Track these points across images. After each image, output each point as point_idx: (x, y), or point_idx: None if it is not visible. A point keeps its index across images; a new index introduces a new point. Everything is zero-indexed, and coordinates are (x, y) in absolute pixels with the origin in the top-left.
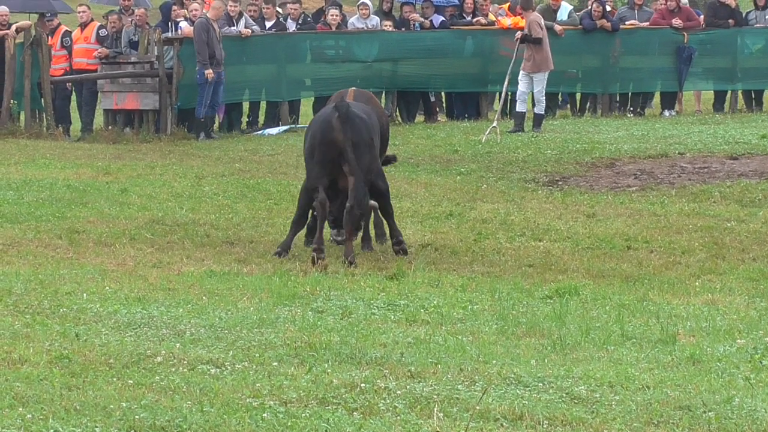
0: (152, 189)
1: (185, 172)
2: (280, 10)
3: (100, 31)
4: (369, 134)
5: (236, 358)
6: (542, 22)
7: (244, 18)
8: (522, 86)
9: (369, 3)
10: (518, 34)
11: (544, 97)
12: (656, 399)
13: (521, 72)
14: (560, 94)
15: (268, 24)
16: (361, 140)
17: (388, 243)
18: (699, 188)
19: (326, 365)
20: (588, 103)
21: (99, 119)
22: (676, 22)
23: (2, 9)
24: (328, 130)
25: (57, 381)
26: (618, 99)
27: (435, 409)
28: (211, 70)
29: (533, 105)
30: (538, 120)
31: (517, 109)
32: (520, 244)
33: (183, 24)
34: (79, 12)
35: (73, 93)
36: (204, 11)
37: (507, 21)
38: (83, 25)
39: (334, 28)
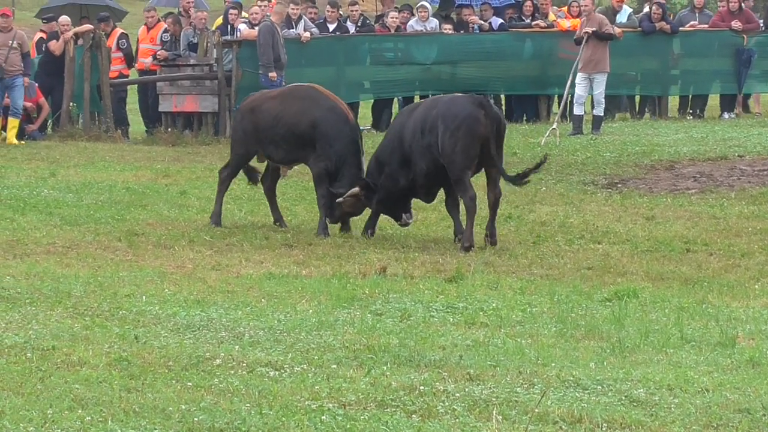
0: (211, 192)
1: (244, 175)
2: (342, 13)
3: (163, 35)
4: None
5: (295, 360)
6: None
7: (303, 21)
8: (580, 89)
9: (428, 5)
10: (587, 29)
11: (603, 99)
12: (715, 402)
13: (580, 74)
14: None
15: (331, 27)
16: (502, 133)
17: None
18: (758, 191)
19: (385, 368)
20: (647, 106)
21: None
22: (736, 24)
23: (64, 19)
24: (477, 125)
25: (116, 383)
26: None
27: (494, 411)
28: (275, 73)
29: (592, 107)
30: (597, 122)
31: (575, 113)
32: (579, 246)
33: (242, 27)
34: (147, 17)
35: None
36: (267, 14)
37: (566, 23)
38: (150, 26)
39: (393, 31)
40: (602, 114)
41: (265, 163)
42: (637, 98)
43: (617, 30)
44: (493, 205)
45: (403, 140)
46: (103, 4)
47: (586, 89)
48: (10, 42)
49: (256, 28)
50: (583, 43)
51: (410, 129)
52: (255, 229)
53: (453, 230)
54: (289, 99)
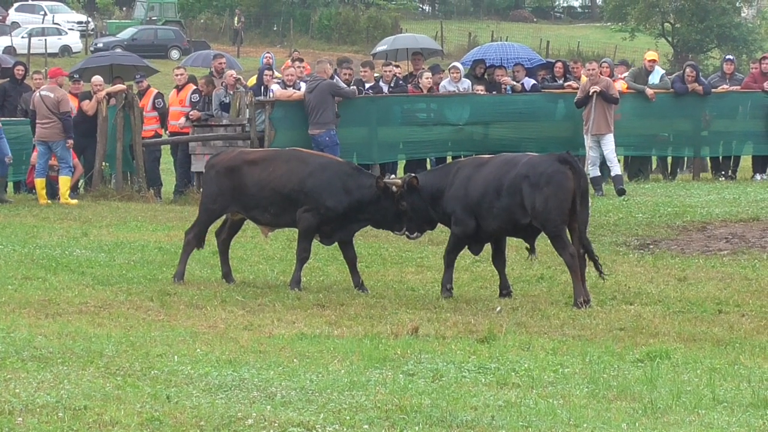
0: (243, 251)
1: (276, 235)
2: (377, 74)
3: (192, 96)
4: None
5: (327, 420)
6: None
7: (335, 80)
8: (592, 152)
9: (460, 66)
10: (595, 88)
11: (615, 157)
12: None
13: (587, 136)
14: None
15: (367, 86)
16: (586, 188)
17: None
18: None
19: (417, 428)
20: (678, 167)
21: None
22: None
23: (96, 79)
24: (566, 180)
25: None
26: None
27: None
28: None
29: (609, 169)
30: (617, 181)
31: (592, 175)
32: (611, 307)
33: (275, 87)
34: (176, 75)
35: (169, 155)
36: (314, 74)
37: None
38: (179, 88)
39: (426, 91)
40: (620, 173)
41: (224, 218)
42: (669, 159)
43: (649, 92)
44: (582, 261)
45: (468, 194)
46: (138, 64)
47: (597, 151)
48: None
49: (290, 88)
50: (592, 103)
51: (479, 186)
52: (287, 290)
53: (498, 285)
54: (274, 163)
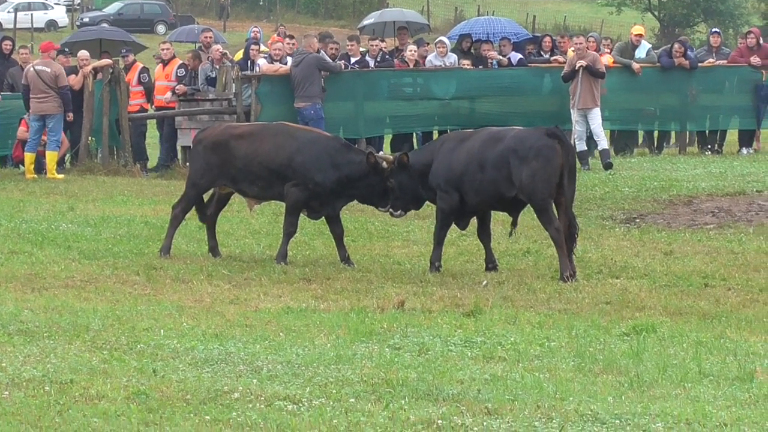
0: (230, 226)
1: (262, 209)
2: (362, 49)
3: (178, 70)
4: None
5: (313, 394)
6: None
7: (321, 55)
8: (578, 126)
9: (446, 41)
10: (581, 62)
11: (602, 131)
12: None
13: (574, 111)
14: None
15: (353, 60)
16: (574, 163)
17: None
18: None
19: (403, 402)
20: (664, 141)
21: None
22: (755, 60)
23: (83, 53)
24: (555, 155)
25: (134, 417)
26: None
27: None
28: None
29: (595, 143)
30: (604, 155)
31: (579, 149)
32: (598, 281)
33: (261, 61)
34: (162, 49)
35: (155, 130)
36: (300, 48)
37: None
38: (165, 62)
39: (411, 65)
40: (607, 147)
41: (212, 192)
42: (656, 133)
43: (636, 66)
44: (569, 236)
45: (452, 168)
46: (125, 39)
47: (584, 125)
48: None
49: (276, 63)
50: (578, 78)
51: (463, 160)
52: (273, 264)
53: (484, 259)
54: (262, 137)
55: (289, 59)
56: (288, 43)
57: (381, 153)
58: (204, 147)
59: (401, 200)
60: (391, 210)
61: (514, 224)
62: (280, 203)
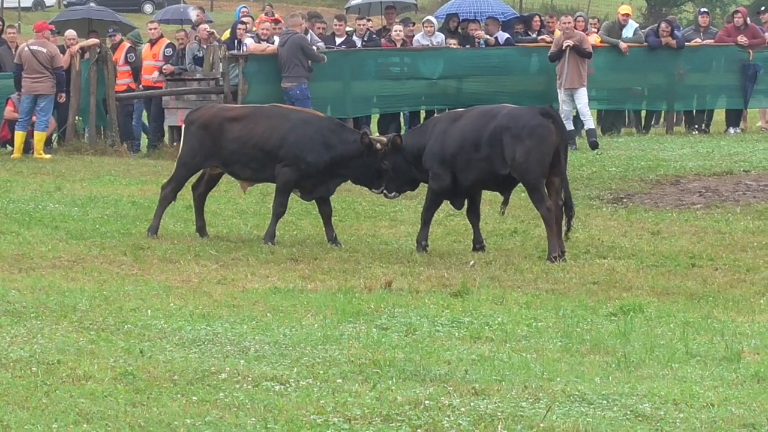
0: (217, 206)
1: (250, 190)
2: (349, 28)
3: (166, 50)
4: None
5: (300, 374)
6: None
7: (310, 35)
8: (565, 106)
9: (434, 20)
10: (568, 42)
11: (588, 111)
12: (720, 417)
13: (561, 90)
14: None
15: (339, 40)
16: (567, 142)
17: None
18: (764, 206)
19: (390, 382)
20: (651, 121)
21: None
22: (742, 39)
23: (70, 33)
24: (549, 134)
25: (121, 397)
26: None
27: (499, 426)
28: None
29: (582, 123)
30: (591, 135)
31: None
32: (585, 261)
33: (249, 41)
34: (150, 29)
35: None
36: (287, 28)
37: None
38: (153, 42)
39: (399, 45)
40: (593, 126)
41: (201, 172)
42: (643, 113)
43: (623, 45)
44: (559, 215)
45: (445, 148)
46: (113, 19)
47: (571, 105)
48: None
49: (264, 42)
50: (565, 58)
51: (456, 139)
52: (260, 244)
53: (472, 239)
54: (256, 119)
55: (276, 39)
56: (275, 28)
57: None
58: (197, 127)
59: (395, 182)
60: (385, 192)
61: (505, 203)
62: (265, 184)
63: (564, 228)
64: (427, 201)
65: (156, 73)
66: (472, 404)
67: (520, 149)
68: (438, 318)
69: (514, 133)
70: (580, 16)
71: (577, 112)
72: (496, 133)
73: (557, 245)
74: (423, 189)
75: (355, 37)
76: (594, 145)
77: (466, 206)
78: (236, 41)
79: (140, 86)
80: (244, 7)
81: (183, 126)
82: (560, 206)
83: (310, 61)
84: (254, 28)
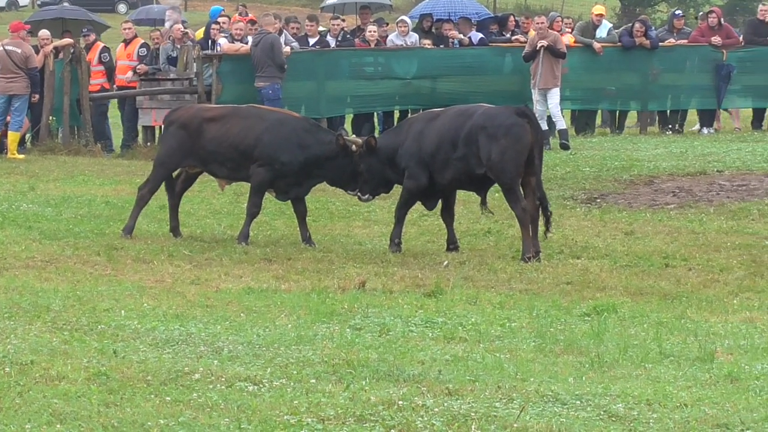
0: (191, 206)
1: (228, 188)
2: (322, 28)
3: (140, 50)
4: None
5: (274, 375)
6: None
7: (284, 35)
8: (539, 106)
9: (408, 20)
10: (542, 43)
11: (560, 111)
12: (694, 417)
13: (535, 91)
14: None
15: (312, 41)
16: (542, 142)
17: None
18: (737, 206)
19: (364, 382)
20: (626, 120)
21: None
22: (715, 39)
23: (43, 33)
24: (524, 134)
25: (95, 398)
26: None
27: (473, 426)
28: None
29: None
30: (563, 135)
31: None
32: (558, 261)
33: (222, 41)
34: (124, 29)
35: (116, 110)
36: (261, 28)
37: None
38: (127, 42)
39: (372, 45)
40: (565, 127)
41: (178, 171)
42: (617, 113)
43: (597, 45)
44: (535, 216)
45: (422, 148)
46: (86, 18)
47: (545, 105)
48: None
49: (238, 42)
50: (539, 58)
51: (433, 138)
52: (234, 244)
53: (446, 239)
54: (233, 119)
55: (250, 38)
56: (250, 29)
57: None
58: (176, 127)
59: (369, 184)
60: (359, 194)
61: (483, 203)
62: (238, 184)
63: (542, 228)
64: (401, 199)
65: (130, 73)
66: (445, 404)
67: (496, 149)
68: (412, 318)
69: (490, 132)
70: (559, 16)
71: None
72: (472, 132)
73: (531, 246)
74: (397, 190)
75: (329, 37)
76: (565, 147)
77: (439, 206)
78: (210, 41)
79: (114, 86)
80: (223, 9)
81: (163, 126)
82: (537, 206)
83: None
84: (228, 28)
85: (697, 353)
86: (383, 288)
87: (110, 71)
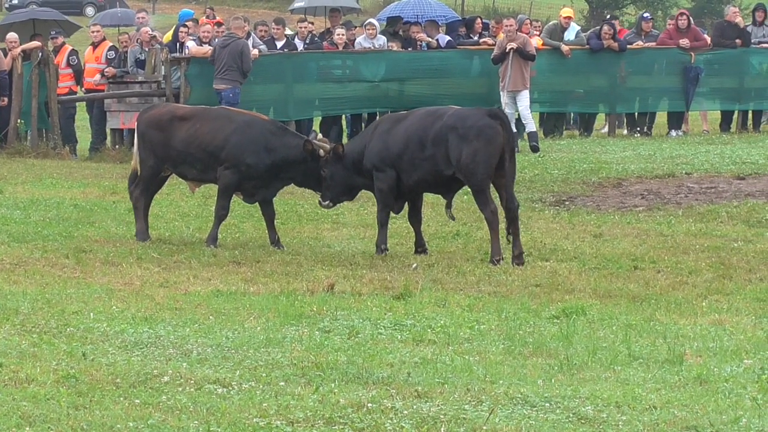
0: (159, 209)
1: (198, 190)
2: (290, 31)
3: (108, 53)
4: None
5: (243, 377)
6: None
7: (252, 38)
8: (508, 108)
9: (376, 23)
10: (511, 45)
11: (529, 113)
12: (663, 419)
13: (504, 93)
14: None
15: (279, 44)
16: (514, 144)
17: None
18: (706, 208)
19: (333, 385)
20: (595, 123)
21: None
22: (683, 42)
23: (11, 36)
24: (496, 136)
25: (64, 400)
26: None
27: (442, 429)
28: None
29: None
30: (532, 138)
31: None
32: (527, 263)
33: (190, 44)
34: (92, 32)
35: (85, 112)
36: (229, 31)
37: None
38: (95, 45)
39: (341, 48)
40: (534, 129)
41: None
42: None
43: (565, 48)
44: (513, 218)
45: (389, 147)
46: (59, 18)
47: (514, 107)
48: None
49: (205, 45)
50: (509, 60)
51: (400, 138)
52: (203, 246)
53: (414, 242)
54: (202, 120)
55: (217, 40)
56: (217, 31)
57: (319, 136)
58: (146, 126)
59: (332, 191)
60: (320, 200)
61: (449, 206)
62: (207, 187)
63: (505, 231)
64: (378, 203)
65: (98, 76)
66: (414, 407)
67: (467, 150)
68: (380, 321)
69: (461, 133)
70: (528, 20)
71: (519, 114)
72: (441, 132)
73: (499, 249)
74: (363, 195)
75: (297, 40)
76: (535, 149)
77: (407, 209)
78: (178, 44)
79: (82, 89)
80: (193, 13)
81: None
82: (509, 208)
83: (252, 64)
84: (195, 32)
85: (666, 355)
86: (352, 290)
87: (78, 74)
